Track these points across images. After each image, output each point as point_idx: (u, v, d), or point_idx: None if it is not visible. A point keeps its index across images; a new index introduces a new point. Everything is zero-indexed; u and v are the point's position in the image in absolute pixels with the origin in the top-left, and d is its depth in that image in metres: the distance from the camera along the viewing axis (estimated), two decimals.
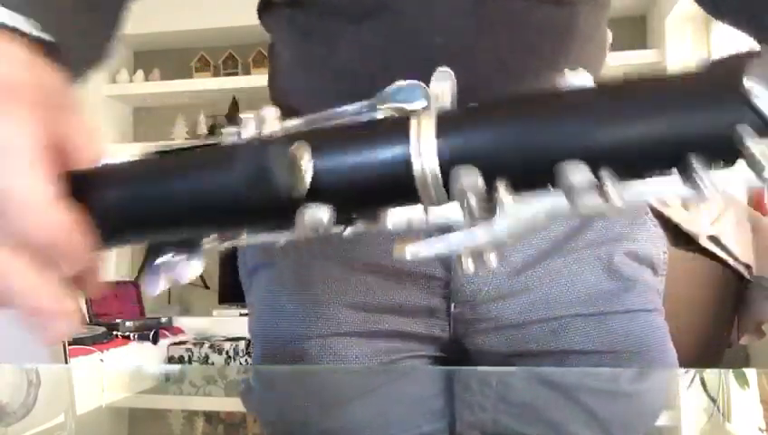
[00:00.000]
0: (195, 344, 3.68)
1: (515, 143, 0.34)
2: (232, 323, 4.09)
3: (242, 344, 3.75)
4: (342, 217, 0.38)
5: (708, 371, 0.96)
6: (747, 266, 2.00)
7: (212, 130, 4.39)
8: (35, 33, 0.42)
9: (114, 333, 3.41)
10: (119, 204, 0.40)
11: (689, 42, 3.70)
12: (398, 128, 0.35)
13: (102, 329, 3.30)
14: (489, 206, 0.34)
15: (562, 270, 0.69)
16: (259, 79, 4.26)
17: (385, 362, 0.70)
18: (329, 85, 0.65)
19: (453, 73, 0.36)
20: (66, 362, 1.26)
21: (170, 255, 0.47)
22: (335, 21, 0.64)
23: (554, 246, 0.69)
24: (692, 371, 1.07)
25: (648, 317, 0.74)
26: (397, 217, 0.38)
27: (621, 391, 0.67)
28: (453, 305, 0.69)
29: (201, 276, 4.44)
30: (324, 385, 0.72)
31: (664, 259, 0.77)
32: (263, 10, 0.81)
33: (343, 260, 0.69)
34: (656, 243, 0.76)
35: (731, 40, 3.37)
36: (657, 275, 0.77)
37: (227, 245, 0.49)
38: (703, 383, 0.86)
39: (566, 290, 0.68)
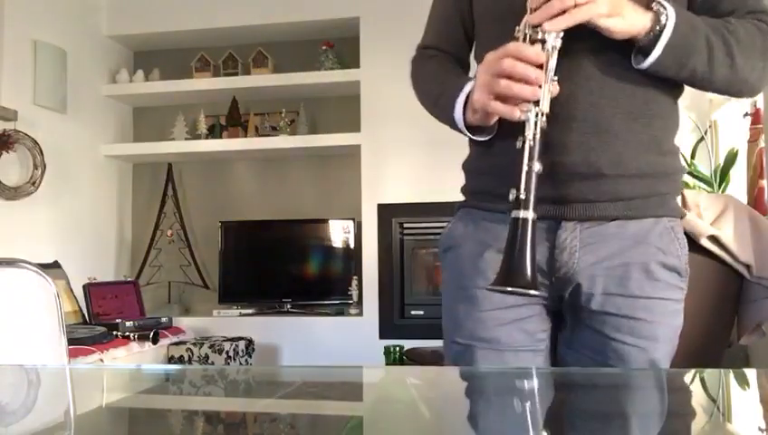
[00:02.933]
0: (195, 344, 3.68)
1: None
2: (232, 323, 4.09)
3: (242, 344, 3.75)
4: None
5: (708, 371, 0.96)
6: (747, 266, 2.00)
7: (212, 130, 4.39)
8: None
9: (114, 333, 3.40)
10: None
11: None
12: None
13: (102, 329, 3.30)
14: None
15: (619, 268, 1.13)
16: (259, 79, 4.26)
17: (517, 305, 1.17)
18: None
19: None
20: (66, 362, 1.26)
21: None
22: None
23: (613, 255, 1.13)
24: (692, 371, 1.07)
25: (662, 302, 1.14)
26: None
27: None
28: (553, 279, 1.16)
29: (201, 276, 4.44)
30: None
31: (686, 268, 1.17)
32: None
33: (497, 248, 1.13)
34: (680, 255, 1.16)
35: None
36: (681, 277, 1.17)
37: None
38: (703, 383, 0.86)
39: (623, 280, 1.13)
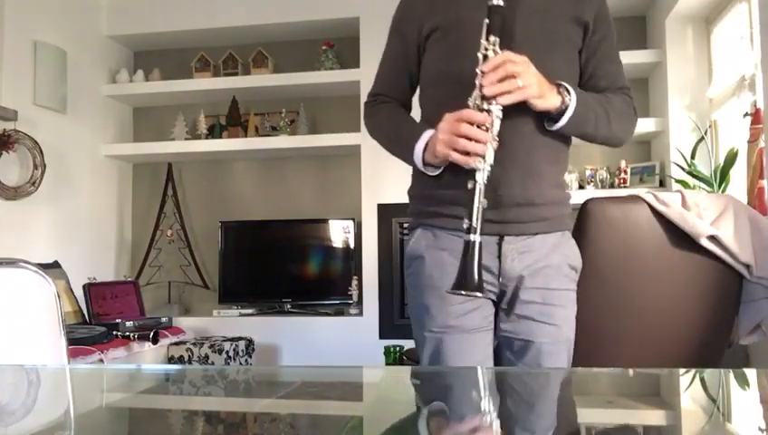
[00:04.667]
0: (195, 344, 3.68)
1: None
2: (232, 323, 4.09)
3: (242, 344, 3.75)
4: None
5: (708, 371, 0.96)
6: (747, 266, 2.00)
7: (212, 130, 4.39)
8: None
9: (114, 333, 3.40)
10: None
11: (689, 42, 3.71)
12: None
13: (102, 329, 3.30)
14: None
15: (542, 268, 1.56)
16: (259, 79, 4.26)
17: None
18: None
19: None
20: (66, 362, 1.26)
21: None
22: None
23: (538, 259, 1.55)
24: (692, 371, 1.07)
25: (567, 293, 1.59)
26: None
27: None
28: (500, 278, 1.56)
29: (201, 276, 4.44)
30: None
31: (580, 265, 1.63)
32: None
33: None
34: (578, 257, 1.63)
35: (731, 41, 3.36)
36: (577, 273, 1.62)
37: None
38: (703, 383, 0.86)
39: (544, 277, 1.56)
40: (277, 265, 4.27)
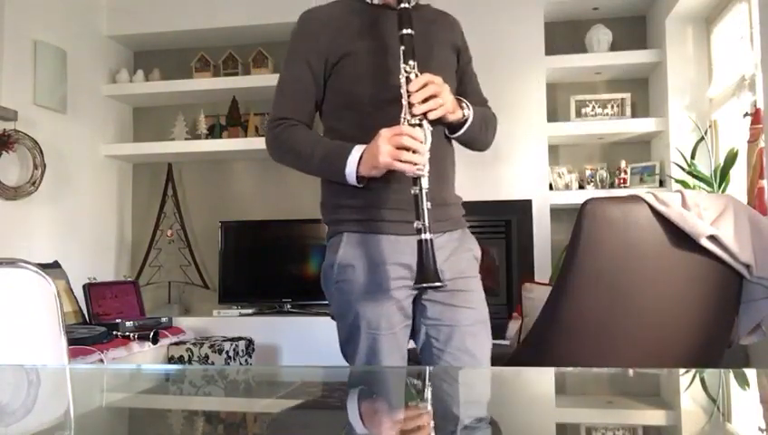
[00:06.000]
0: (195, 344, 3.68)
1: None
2: (232, 323, 4.09)
3: (242, 344, 3.75)
4: None
5: (708, 371, 0.97)
6: (747, 266, 2.00)
7: (212, 130, 4.39)
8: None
9: (114, 333, 3.40)
10: None
11: (689, 42, 3.70)
12: None
13: (102, 329, 3.30)
14: None
15: (455, 260, 1.73)
16: (259, 79, 4.25)
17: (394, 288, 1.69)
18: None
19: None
20: (66, 362, 1.26)
21: None
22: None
23: (452, 253, 1.73)
24: (692, 371, 1.07)
25: (477, 279, 1.77)
26: None
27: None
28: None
29: (201, 276, 4.44)
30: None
31: (480, 255, 1.81)
32: None
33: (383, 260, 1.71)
34: (478, 249, 1.81)
35: (731, 41, 3.36)
36: (478, 262, 1.80)
37: None
38: (703, 383, 0.87)
39: (459, 268, 1.73)
40: (277, 265, 4.27)
